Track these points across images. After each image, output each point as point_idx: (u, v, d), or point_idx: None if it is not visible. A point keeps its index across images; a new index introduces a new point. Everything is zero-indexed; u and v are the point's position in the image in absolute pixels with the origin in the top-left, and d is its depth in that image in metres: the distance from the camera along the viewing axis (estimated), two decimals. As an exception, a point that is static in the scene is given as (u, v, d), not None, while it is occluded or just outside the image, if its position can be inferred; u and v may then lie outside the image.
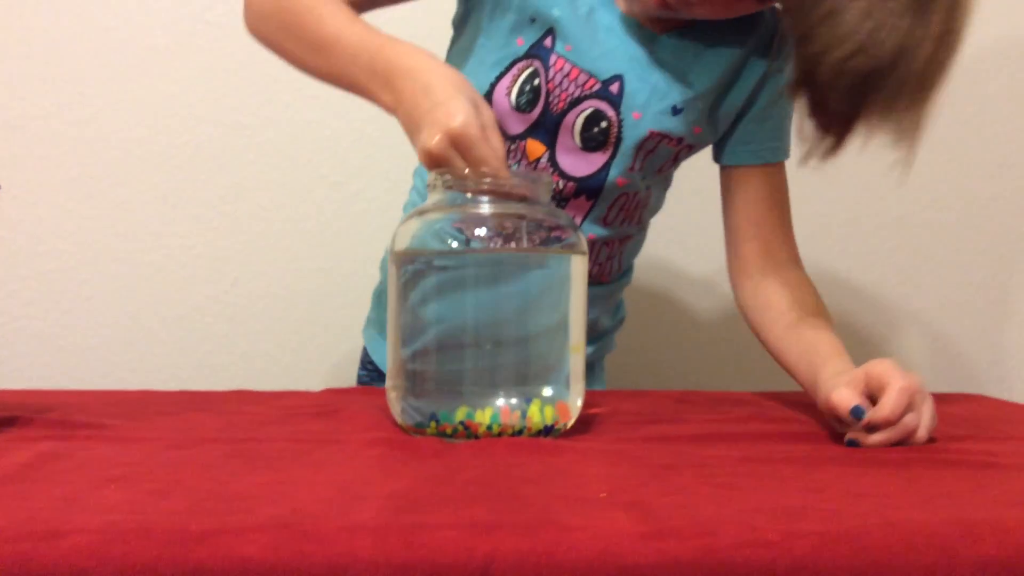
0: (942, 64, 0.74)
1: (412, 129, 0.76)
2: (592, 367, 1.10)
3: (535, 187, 0.73)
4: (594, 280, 1.00)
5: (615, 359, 1.16)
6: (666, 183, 1.03)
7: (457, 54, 0.98)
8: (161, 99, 1.34)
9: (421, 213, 0.73)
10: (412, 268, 0.73)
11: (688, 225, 1.41)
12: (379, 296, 1.10)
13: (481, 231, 0.72)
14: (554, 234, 0.73)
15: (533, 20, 0.91)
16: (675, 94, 0.91)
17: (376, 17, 0.89)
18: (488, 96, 0.92)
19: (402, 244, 0.73)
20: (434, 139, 0.72)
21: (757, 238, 0.97)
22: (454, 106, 0.73)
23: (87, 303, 1.35)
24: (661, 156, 0.94)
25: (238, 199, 1.36)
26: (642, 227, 1.02)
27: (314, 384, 1.38)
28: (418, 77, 0.77)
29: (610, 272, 1.01)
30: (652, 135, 0.92)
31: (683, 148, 0.95)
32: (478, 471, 0.60)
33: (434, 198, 0.74)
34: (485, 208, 0.72)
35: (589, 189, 0.94)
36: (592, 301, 1.01)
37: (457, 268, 0.72)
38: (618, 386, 1.19)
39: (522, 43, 0.92)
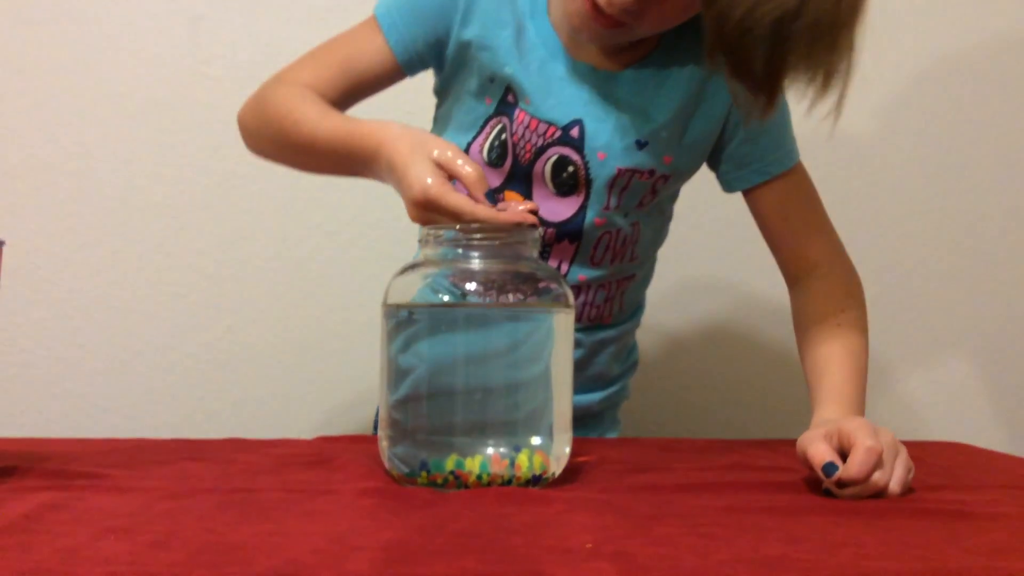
0: (851, 3, 0.76)
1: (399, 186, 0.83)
2: (603, 416, 1.11)
3: (523, 241, 0.75)
4: (595, 322, 1.02)
5: (630, 404, 1.17)
6: (659, 216, 1.04)
7: (440, 120, 1.03)
8: (157, 149, 1.37)
9: (413, 267, 0.76)
10: (403, 321, 0.75)
11: (703, 264, 1.44)
12: None
13: (471, 285, 0.74)
14: (541, 286, 0.75)
15: (492, 80, 0.96)
16: (637, 129, 0.95)
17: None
18: None
19: (394, 298, 0.75)
20: (411, 213, 0.80)
21: (784, 248, 1.01)
22: (411, 176, 0.78)
23: (81, 350, 1.37)
24: (636, 190, 0.97)
25: (233, 248, 1.38)
26: (639, 264, 1.04)
27: (306, 431, 1.39)
28: (382, 155, 0.83)
29: (611, 314, 1.03)
30: (621, 172, 0.95)
31: (658, 179, 0.97)
32: (468, 522, 0.61)
33: (426, 252, 0.76)
34: (475, 263, 0.74)
35: (570, 233, 0.97)
36: (599, 346, 1.03)
37: (447, 320, 0.74)
38: (636, 432, 1.21)
39: (490, 102, 0.97)
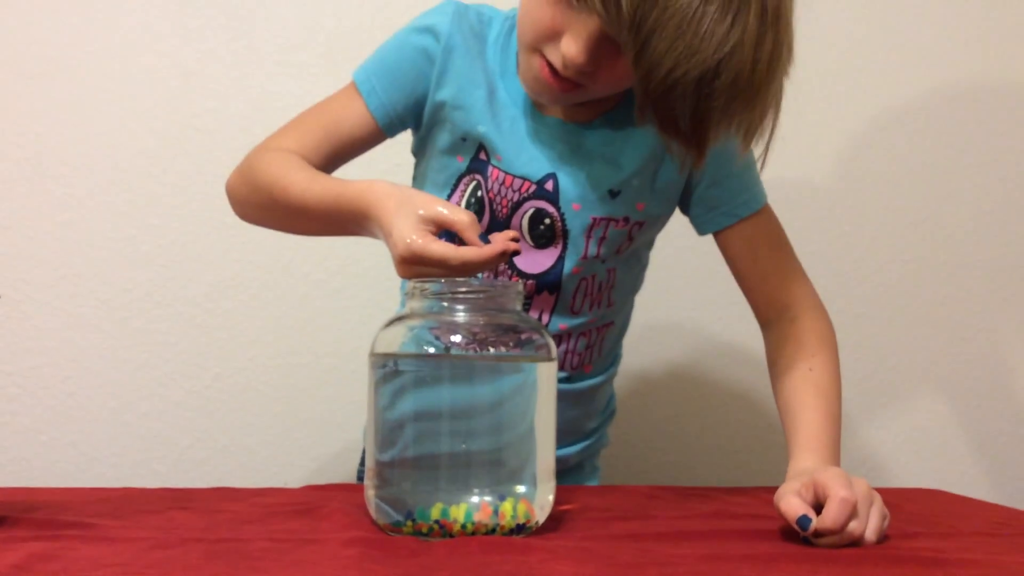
0: (768, 63, 0.81)
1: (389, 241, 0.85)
2: (582, 466, 1.12)
3: (506, 295, 0.77)
4: (576, 370, 1.03)
5: (608, 452, 1.18)
6: (636, 263, 1.06)
7: (417, 179, 1.06)
8: (147, 200, 1.39)
9: (400, 319, 0.78)
10: (389, 372, 0.76)
11: (680, 311, 1.46)
12: None
13: (456, 338, 0.76)
14: (523, 338, 0.77)
15: (464, 139, 0.99)
16: (609, 178, 0.97)
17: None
18: None
19: (380, 348, 0.77)
20: (399, 270, 0.83)
21: (755, 291, 1.02)
22: (396, 234, 0.81)
23: (70, 399, 1.37)
24: (615, 238, 0.99)
25: (221, 297, 1.40)
26: (616, 310, 1.05)
27: (292, 479, 1.40)
28: (370, 215, 0.85)
29: (591, 361, 1.05)
30: (596, 221, 0.98)
31: (633, 226, 1.00)
32: (452, 571, 0.62)
33: (412, 305, 0.78)
34: (459, 315, 0.76)
35: (549, 284, 0.99)
36: (579, 397, 1.05)
37: (432, 371, 0.76)
38: (614, 481, 1.22)
39: (462, 160, 1.00)
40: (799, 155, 1.48)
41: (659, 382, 1.49)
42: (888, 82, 1.51)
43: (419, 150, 1.05)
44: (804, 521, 0.72)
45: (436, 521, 0.73)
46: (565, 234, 0.98)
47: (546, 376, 0.77)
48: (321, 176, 0.94)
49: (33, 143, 1.37)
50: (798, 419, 0.92)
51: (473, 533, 0.72)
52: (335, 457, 1.41)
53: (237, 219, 1.40)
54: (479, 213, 0.98)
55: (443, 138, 1.00)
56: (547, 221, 0.98)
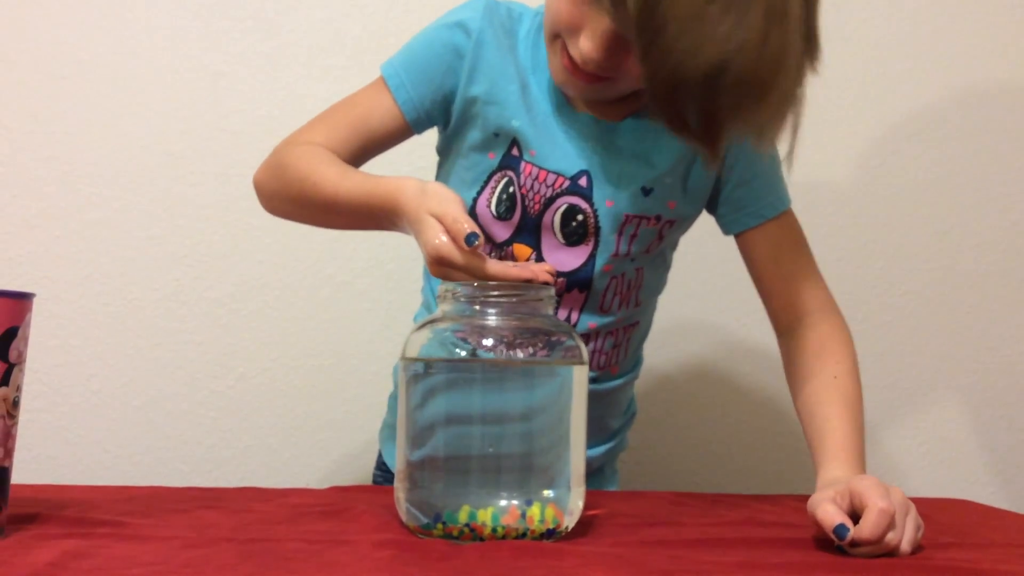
0: (775, 61, 0.79)
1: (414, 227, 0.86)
2: (603, 469, 1.12)
3: (539, 299, 0.77)
4: (603, 370, 1.03)
5: (627, 456, 1.18)
6: (662, 263, 1.06)
7: (443, 177, 1.05)
8: (175, 201, 1.39)
9: (432, 322, 0.77)
10: (421, 375, 0.76)
11: (699, 315, 1.45)
12: (393, 402, 1.13)
13: (487, 341, 0.76)
14: (554, 340, 0.77)
15: (497, 135, 0.98)
16: (642, 176, 0.97)
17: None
18: (472, 211, 0.99)
19: (412, 352, 0.76)
20: (431, 269, 0.83)
21: (777, 295, 1.01)
22: (425, 235, 0.82)
23: (95, 397, 1.38)
24: (645, 236, 0.99)
25: (246, 297, 1.40)
26: (642, 309, 1.05)
27: (315, 479, 1.40)
28: (400, 213, 0.86)
29: (618, 361, 1.04)
30: (629, 218, 0.97)
31: (664, 224, 0.99)
32: (484, 575, 0.62)
33: (444, 308, 0.78)
34: (491, 320, 0.76)
35: (580, 282, 0.99)
36: (604, 397, 1.05)
37: (463, 375, 0.76)
38: (633, 485, 1.22)
39: (493, 157, 0.99)
40: (824, 161, 1.47)
41: (678, 386, 1.48)
42: (915, 88, 1.50)
43: (445, 148, 1.05)
44: (841, 530, 0.72)
45: (467, 524, 0.73)
46: (597, 231, 0.98)
47: (577, 380, 0.76)
48: (352, 171, 0.94)
49: (62, 143, 1.38)
50: (826, 427, 0.91)
51: (504, 537, 0.72)
52: (355, 458, 1.41)
53: (263, 220, 1.40)
54: (510, 210, 0.98)
55: (473, 135, 0.99)
56: (579, 217, 0.97)
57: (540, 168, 0.97)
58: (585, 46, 0.86)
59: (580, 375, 0.77)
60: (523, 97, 0.98)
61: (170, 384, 1.39)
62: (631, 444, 1.17)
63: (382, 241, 1.41)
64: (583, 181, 0.97)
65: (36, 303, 0.76)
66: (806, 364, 0.97)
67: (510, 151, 0.99)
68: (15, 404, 0.72)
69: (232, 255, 1.40)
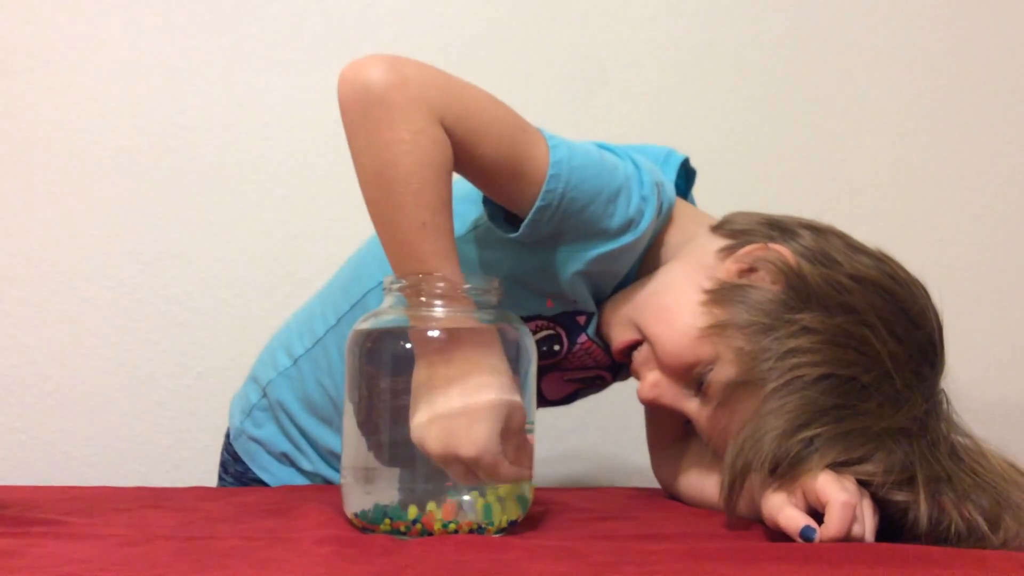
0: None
1: (419, 395, 0.72)
2: None
3: (487, 292, 0.76)
4: None
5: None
6: None
7: (479, 242, 0.89)
8: (129, 197, 1.37)
9: (376, 315, 0.76)
10: (363, 364, 0.75)
11: None
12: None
13: (434, 334, 0.75)
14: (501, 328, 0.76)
15: (575, 301, 0.89)
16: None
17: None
18: None
19: (354, 342, 0.75)
20: (437, 449, 0.71)
21: None
22: (477, 431, 0.70)
23: (49, 398, 1.36)
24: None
25: (204, 295, 1.38)
26: None
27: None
28: (459, 361, 0.72)
29: None
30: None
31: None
32: (425, 568, 0.61)
33: (389, 301, 0.77)
34: (438, 311, 0.75)
35: (555, 403, 1.00)
36: None
37: (408, 361, 0.74)
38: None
39: (552, 306, 0.90)
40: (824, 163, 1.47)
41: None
42: (932, 84, 1.51)
43: (496, 236, 0.85)
44: (808, 532, 0.71)
45: (414, 520, 0.72)
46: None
47: (521, 373, 0.76)
48: (447, 227, 0.77)
49: (14, 140, 1.36)
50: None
51: (456, 531, 0.71)
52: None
53: (221, 216, 1.39)
54: (544, 355, 0.91)
55: (550, 284, 0.87)
56: (598, 383, 0.99)
57: (597, 347, 0.93)
58: (648, 380, 0.85)
59: (525, 369, 0.76)
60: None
61: (127, 384, 1.37)
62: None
63: (343, 237, 1.39)
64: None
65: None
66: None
67: (574, 316, 0.91)
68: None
69: (189, 252, 1.38)
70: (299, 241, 1.40)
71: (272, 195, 1.39)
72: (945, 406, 0.80)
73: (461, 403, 0.71)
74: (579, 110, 1.42)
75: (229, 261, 1.39)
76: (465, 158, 0.79)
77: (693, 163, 0.98)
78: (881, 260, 0.82)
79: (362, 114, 0.76)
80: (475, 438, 0.71)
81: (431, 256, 0.76)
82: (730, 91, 1.46)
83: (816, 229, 0.85)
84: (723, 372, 0.80)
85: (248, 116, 1.39)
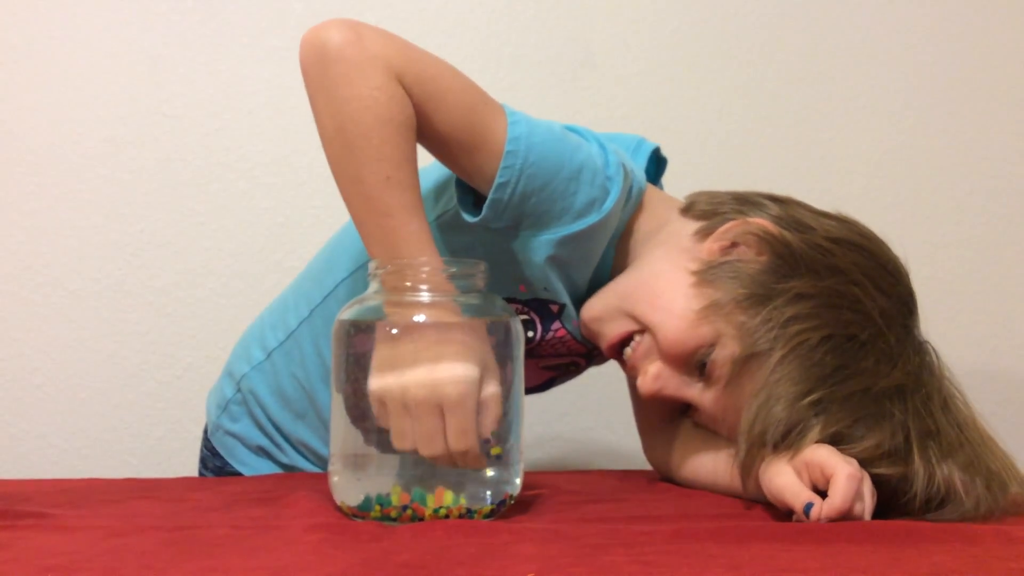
0: None
1: (387, 359, 0.71)
2: None
3: (472, 276, 0.76)
4: None
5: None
6: None
7: (439, 226, 0.88)
8: (114, 187, 1.36)
9: (361, 301, 0.76)
10: (351, 340, 0.74)
11: None
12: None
13: (419, 318, 0.74)
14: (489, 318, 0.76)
15: (546, 289, 0.88)
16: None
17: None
18: None
19: (339, 329, 0.75)
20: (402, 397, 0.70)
21: None
22: (460, 371, 0.70)
23: (38, 391, 1.35)
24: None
25: (192, 285, 1.38)
26: None
27: (267, 468, 1.38)
28: (432, 343, 0.72)
29: None
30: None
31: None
32: (413, 554, 0.61)
33: (374, 287, 0.76)
34: (423, 297, 0.74)
35: (532, 390, 0.98)
36: None
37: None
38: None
39: (524, 290, 0.89)
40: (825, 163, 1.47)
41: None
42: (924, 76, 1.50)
43: (466, 222, 0.84)
44: (811, 508, 0.71)
45: (404, 506, 0.71)
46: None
47: (510, 359, 0.75)
48: (419, 211, 0.77)
49: (-2, 133, 1.35)
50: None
51: (446, 516, 0.71)
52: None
53: (207, 206, 1.38)
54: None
55: (523, 268, 0.86)
56: (572, 369, 0.98)
57: (572, 337, 0.91)
58: (650, 373, 0.83)
59: (514, 354, 0.76)
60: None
61: (116, 376, 1.36)
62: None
63: (330, 225, 1.39)
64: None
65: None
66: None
67: (547, 304, 0.89)
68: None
69: (176, 243, 1.37)
70: (286, 230, 1.39)
71: (259, 184, 1.39)
72: (935, 357, 0.81)
73: (427, 371, 0.71)
74: (565, 93, 1.41)
75: (216, 251, 1.38)
76: (424, 123, 0.78)
77: (678, 147, 0.98)
78: (845, 221, 0.84)
79: (321, 73, 0.77)
80: (450, 391, 0.70)
81: (398, 210, 0.76)
82: (717, 74, 1.45)
83: (779, 200, 0.86)
84: (727, 350, 0.80)
85: (233, 105, 1.38)
